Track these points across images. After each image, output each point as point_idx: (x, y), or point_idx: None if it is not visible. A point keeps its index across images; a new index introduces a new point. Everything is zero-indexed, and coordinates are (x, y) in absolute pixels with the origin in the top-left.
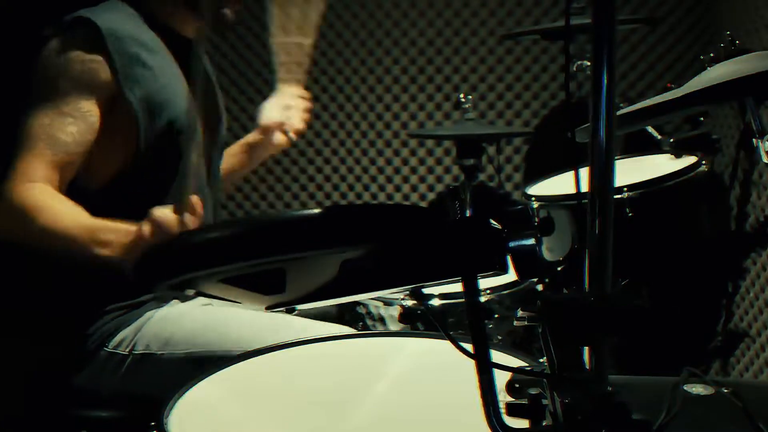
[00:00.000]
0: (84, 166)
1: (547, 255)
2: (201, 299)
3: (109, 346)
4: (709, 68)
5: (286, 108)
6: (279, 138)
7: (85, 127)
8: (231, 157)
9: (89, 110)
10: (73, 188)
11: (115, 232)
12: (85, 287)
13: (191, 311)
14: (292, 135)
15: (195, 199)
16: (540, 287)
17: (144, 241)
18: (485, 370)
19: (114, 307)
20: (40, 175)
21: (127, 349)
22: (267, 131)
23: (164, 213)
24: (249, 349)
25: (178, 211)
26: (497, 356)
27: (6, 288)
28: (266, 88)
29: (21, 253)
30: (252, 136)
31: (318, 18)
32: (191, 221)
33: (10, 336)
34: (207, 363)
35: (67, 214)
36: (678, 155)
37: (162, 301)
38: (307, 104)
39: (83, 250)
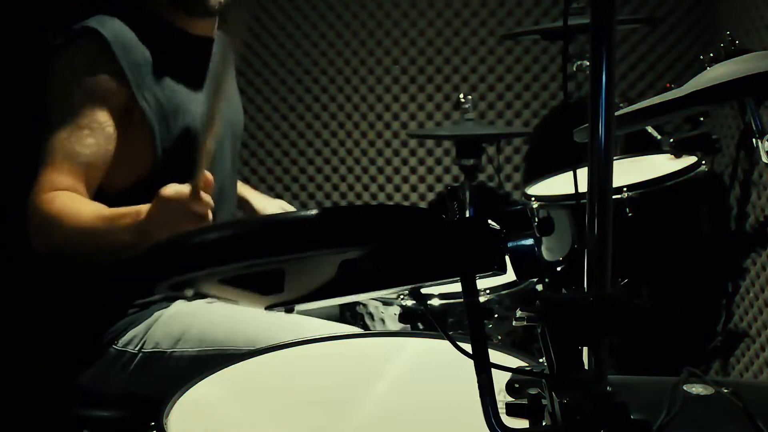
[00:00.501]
0: (104, 175)
1: (547, 255)
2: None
3: (119, 345)
4: (709, 68)
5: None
6: None
7: (103, 139)
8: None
9: (105, 121)
10: (93, 197)
11: (132, 215)
12: (94, 287)
13: (201, 309)
14: None
15: (207, 174)
16: (540, 287)
17: (157, 219)
18: (484, 370)
19: (123, 305)
20: (62, 187)
21: (136, 348)
22: None
23: (173, 188)
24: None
25: (192, 185)
26: (497, 356)
27: (15, 288)
28: (266, 88)
29: (28, 253)
30: (256, 200)
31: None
32: (205, 197)
33: (20, 336)
34: (217, 361)
35: (86, 211)
36: (678, 155)
37: (171, 299)
38: None
39: (112, 240)
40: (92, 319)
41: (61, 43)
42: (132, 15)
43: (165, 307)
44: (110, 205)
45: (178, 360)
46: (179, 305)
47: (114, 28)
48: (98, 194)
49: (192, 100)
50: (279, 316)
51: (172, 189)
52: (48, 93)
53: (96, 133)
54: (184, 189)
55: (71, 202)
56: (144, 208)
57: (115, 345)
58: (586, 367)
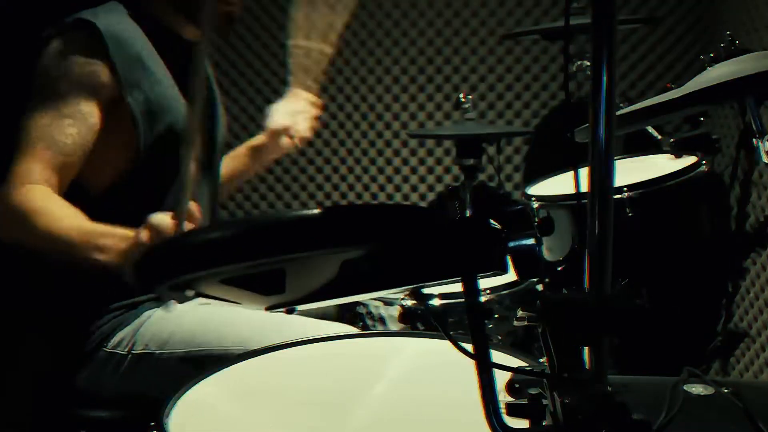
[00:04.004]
0: (84, 169)
1: (547, 255)
2: (200, 298)
3: (108, 346)
4: (709, 68)
5: (294, 113)
6: (285, 142)
7: (84, 129)
8: (235, 159)
9: (89, 112)
10: (74, 192)
11: (113, 237)
12: (84, 287)
13: (190, 310)
14: (297, 141)
15: (193, 205)
16: (540, 287)
17: (141, 247)
18: (485, 370)
19: (113, 306)
20: (39, 177)
21: (126, 349)
22: (273, 135)
23: (162, 219)
24: (249, 349)
25: (176, 217)
26: (497, 356)
27: (5, 288)
28: (266, 89)
29: (19, 253)
30: (257, 139)
31: (341, 27)
32: (189, 227)
33: (10, 336)
34: (206, 363)
35: (65, 218)
36: (678, 155)
37: (161, 301)
38: (316, 111)
39: (81, 254)
40: (82, 319)
41: (52, 33)
42: (126, 11)
43: (153, 308)
44: (91, 202)
45: (167, 361)
46: (167, 307)
47: (108, 21)
48: (79, 191)
49: (178, 102)
50: (269, 316)
51: (158, 221)
52: (34, 80)
53: (78, 124)
54: (169, 223)
55: (50, 202)
56: (129, 233)
57: (105, 347)
58: (587, 367)
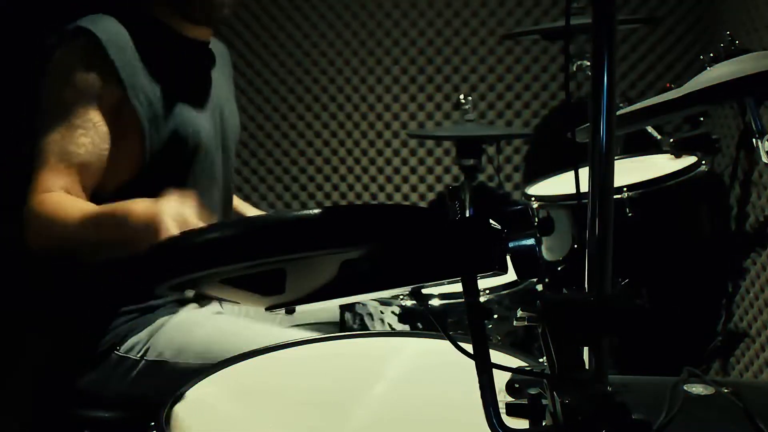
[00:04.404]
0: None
1: (547, 255)
2: (215, 307)
3: (121, 350)
4: (709, 68)
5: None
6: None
7: (97, 138)
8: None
9: (99, 120)
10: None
11: (117, 215)
12: (97, 289)
13: (206, 320)
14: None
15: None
16: (540, 287)
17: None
18: (485, 370)
19: (126, 310)
20: (56, 188)
21: (139, 354)
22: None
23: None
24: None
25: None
26: (497, 356)
27: (19, 288)
28: (266, 88)
29: (28, 253)
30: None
31: None
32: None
33: (20, 336)
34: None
35: (75, 210)
36: (678, 155)
37: (175, 306)
38: None
39: (96, 240)
40: (92, 321)
41: (54, 43)
42: (127, 15)
43: (168, 315)
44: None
45: (182, 371)
46: (183, 314)
47: (107, 28)
48: (91, 196)
49: (183, 104)
50: (282, 330)
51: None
52: (42, 93)
53: (90, 133)
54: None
55: (62, 201)
56: (134, 210)
57: (117, 351)
58: (587, 367)
